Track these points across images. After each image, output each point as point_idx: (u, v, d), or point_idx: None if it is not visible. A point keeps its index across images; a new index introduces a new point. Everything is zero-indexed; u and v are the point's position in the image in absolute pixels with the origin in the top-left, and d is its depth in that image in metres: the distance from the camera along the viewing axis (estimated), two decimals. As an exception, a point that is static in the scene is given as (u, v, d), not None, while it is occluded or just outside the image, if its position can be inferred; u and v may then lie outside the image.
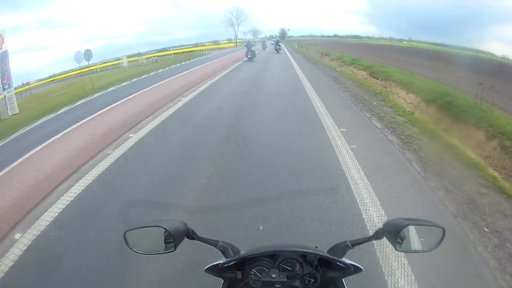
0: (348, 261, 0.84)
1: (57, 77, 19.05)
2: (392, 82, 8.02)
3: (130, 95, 6.87)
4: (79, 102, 10.12)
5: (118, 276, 1.99)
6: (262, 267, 0.86)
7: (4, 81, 10.37)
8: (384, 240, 0.83)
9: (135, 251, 0.83)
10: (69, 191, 3.28)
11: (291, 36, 38.83)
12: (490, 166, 3.48)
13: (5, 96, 10.34)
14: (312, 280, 0.85)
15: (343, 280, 0.89)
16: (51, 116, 8.68)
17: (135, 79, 13.72)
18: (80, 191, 3.25)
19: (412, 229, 0.81)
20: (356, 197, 2.72)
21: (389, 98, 6.75)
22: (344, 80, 9.60)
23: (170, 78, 9.32)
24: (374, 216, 2.45)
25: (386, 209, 2.53)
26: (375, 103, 6.31)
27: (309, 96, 7.19)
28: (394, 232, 0.78)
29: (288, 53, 22.71)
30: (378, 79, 9.12)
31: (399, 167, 3.37)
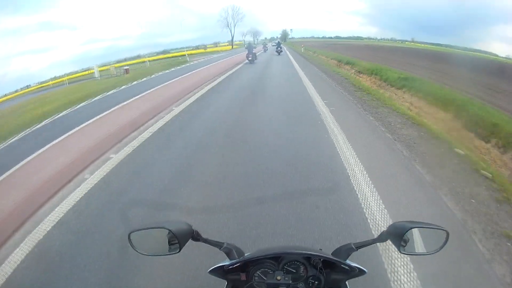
0: (352, 264, 0.84)
1: (33, 87, 18.57)
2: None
3: (48, 143, 5.38)
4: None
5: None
6: (266, 269, 0.86)
7: None
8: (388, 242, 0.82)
9: (140, 253, 0.83)
10: None
11: (292, 38, 38.71)
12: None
13: None
14: (316, 282, 0.86)
15: (347, 282, 0.89)
16: None
17: (84, 103, 9.99)
18: None
19: (416, 232, 0.81)
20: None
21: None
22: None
23: (127, 101, 8.08)
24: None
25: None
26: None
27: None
28: (398, 235, 0.79)
29: (293, 61, 17.24)
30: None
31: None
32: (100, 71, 19.37)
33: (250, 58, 17.15)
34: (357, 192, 2.80)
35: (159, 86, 10.67)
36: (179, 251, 0.81)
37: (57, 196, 3.33)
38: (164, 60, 25.86)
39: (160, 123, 5.82)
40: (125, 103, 8.24)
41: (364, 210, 2.52)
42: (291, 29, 39.29)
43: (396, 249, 0.80)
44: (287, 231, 2.31)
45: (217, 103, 7.24)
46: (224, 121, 5.61)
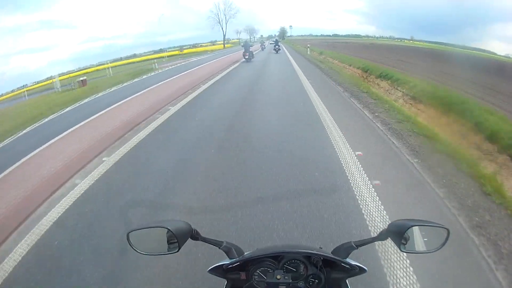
0: (352, 262, 0.84)
1: (30, 87, 17.73)
2: None
3: None
4: None
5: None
6: (266, 268, 0.86)
7: None
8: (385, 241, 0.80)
9: (138, 252, 0.82)
10: None
11: (291, 36, 38.40)
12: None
13: None
14: (316, 281, 0.85)
15: (347, 281, 0.89)
16: None
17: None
18: None
19: (416, 230, 0.81)
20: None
21: None
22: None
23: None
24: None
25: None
26: None
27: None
28: (398, 233, 0.78)
29: (302, 75, 10.65)
30: None
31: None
32: (62, 79, 16.39)
33: (247, 57, 16.84)
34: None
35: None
36: (178, 250, 0.80)
37: None
38: (133, 65, 21.78)
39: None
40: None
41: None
42: (290, 26, 37.95)
43: (397, 248, 0.79)
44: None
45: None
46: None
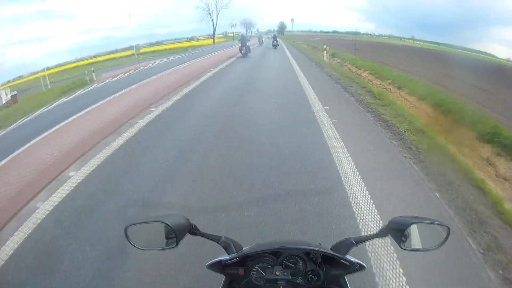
0: (352, 259, 0.84)
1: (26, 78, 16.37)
2: None
3: None
4: None
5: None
6: (265, 264, 0.85)
7: None
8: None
9: (136, 247, 0.82)
10: None
11: (290, 31, 37.97)
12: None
13: None
14: (315, 277, 0.85)
15: (346, 277, 0.89)
16: None
17: None
18: None
19: (416, 227, 0.80)
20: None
21: None
22: None
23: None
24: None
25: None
26: None
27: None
28: (399, 230, 0.78)
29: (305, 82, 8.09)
30: None
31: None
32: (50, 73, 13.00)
33: (243, 52, 16.21)
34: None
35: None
36: (176, 246, 0.80)
37: None
38: (72, 69, 16.70)
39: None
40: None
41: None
42: (292, 20, 36.46)
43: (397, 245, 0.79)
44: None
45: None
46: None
